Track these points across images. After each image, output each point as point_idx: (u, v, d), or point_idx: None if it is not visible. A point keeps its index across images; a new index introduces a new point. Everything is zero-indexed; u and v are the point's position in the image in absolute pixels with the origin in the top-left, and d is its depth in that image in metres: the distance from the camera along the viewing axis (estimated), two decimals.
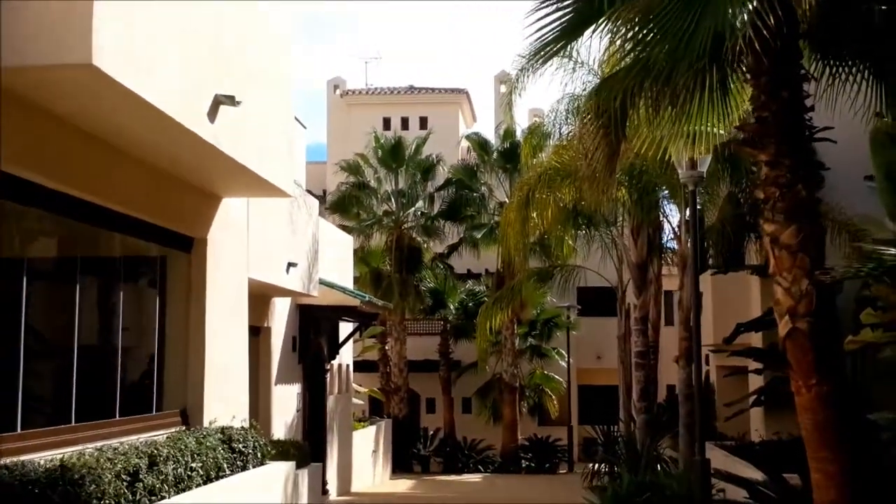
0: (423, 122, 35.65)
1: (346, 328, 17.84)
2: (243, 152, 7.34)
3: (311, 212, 13.14)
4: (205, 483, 6.82)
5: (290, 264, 12.26)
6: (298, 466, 12.58)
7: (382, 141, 27.68)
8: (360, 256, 27.61)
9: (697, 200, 15.61)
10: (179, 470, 6.39)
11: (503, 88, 38.41)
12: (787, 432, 15.87)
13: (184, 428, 8.01)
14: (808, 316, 6.37)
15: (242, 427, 8.36)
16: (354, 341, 20.97)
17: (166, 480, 6.13)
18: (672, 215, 16.95)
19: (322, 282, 15.02)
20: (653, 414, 16.35)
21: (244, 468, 7.77)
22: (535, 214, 17.17)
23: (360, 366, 29.59)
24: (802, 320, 6.40)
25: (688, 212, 15.08)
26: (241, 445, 7.73)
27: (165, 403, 8.14)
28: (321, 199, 28.46)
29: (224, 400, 8.73)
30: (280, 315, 14.28)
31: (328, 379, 17.13)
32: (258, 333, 13.66)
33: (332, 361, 17.34)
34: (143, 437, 7.14)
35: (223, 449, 7.36)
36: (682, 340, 14.54)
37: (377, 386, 28.54)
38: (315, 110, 67.23)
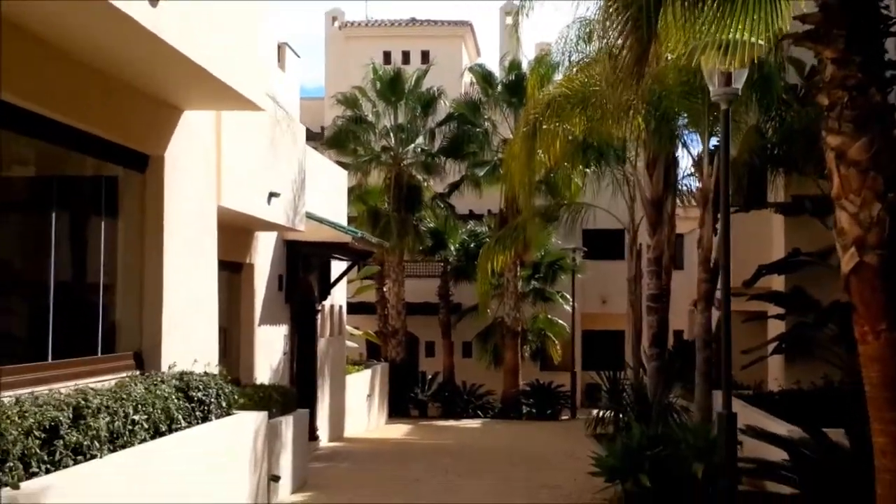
0: (425, 57, 34.15)
1: (338, 267, 16.74)
2: (197, 49, 6.12)
3: (296, 138, 11.94)
4: (152, 438, 5.76)
5: (272, 194, 11.10)
6: (283, 413, 11.63)
7: (381, 72, 26.27)
8: (358, 195, 26.44)
9: (720, 131, 14.52)
10: (117, 423, 5.31)
11: (509, 20, 36.88)
12: (808, 382, 14.90)
13: (138, 373, 6.94)
14: (880, 248, 5.25)
15: (206, 372, 7.28)
16: (349, 281, 19.91)
17: (97, 437, 5.05)
18: (693, 145, 15.70)
19: (310, 216, 13.85)
20: (664, 361, 15.32)
21: (205, 419, 6.72)
22: (541, 150, 15.94)
23: (357, 308, 28.66)
24: (872, 253, 5.28)
25: (712, 141, 13.88)
26: (200, 394, 6.66)
27: (117, 345, 7.06)
28: (319, 136, 27.28)
29: (187, 342, 7.66)
30: (265, 251, 13.16)
31: (319, 320, 16.09)
32: (239, 270, 12.57)
33: (324, 302, 16.29)
34: (88, 382, 6.08)
35: (178, 398, 6.28)
36: (702, 283, 13.43)
37: (375, 329, 27.60)
38: (313, 46, 65.39)
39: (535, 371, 28.20)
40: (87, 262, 6.85)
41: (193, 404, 6.54)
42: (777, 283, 16.95)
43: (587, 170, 19.51)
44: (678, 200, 17.16)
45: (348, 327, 19.98)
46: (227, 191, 9.41)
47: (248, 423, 7.97)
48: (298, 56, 21.22)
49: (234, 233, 11.95)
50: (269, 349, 13.28)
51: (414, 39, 36.46)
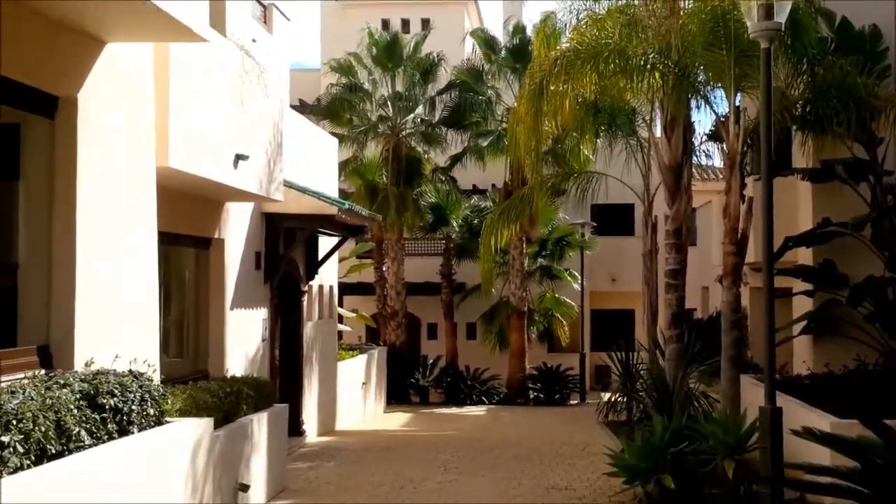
0: (426, 25, 32.42)
1: (328, 244, 15.27)
2: None
3: (268, 92, 10.45)
4: (35, 464, 4.32)
5: (239, 157, 9.62)
6: (258, 408, 10.24)
7: (377, 36, 24.68)
8: (354, 168, 24.99)
9: (738, 96, 12.95)
10: None
11: None
12: (839, 364, 13.49)
13: (43, 372, 5.50)
14: None
15: (130, 371, 5.83)
16: (341, 259, 18.47)
17: None
18: (715, 104, 14.13)
19: (289, 185, 12.39)
20: (684, 343, 13.84)
21: (123, 433, 5.28)
22: (548, 114, 14.43)
23: (355, 289, 27.25)
24: None
25: (737, 99, 12.32)
26: (115, 400, 5.21)
27: (18, 338, 5.63)
28: (316, 108, 25.67)
29: (113, 333, 6.21)
30: (238, 225, 11.71)
31: (305, 302, 14.66)
32: (207, 246, 11.13)
33: (311, 282, 14.84)
34: None
35: (81, 406, 4.84)
36: (729, 256, 11.93)
37: (374, 311, 26.19)
38: (307, 14, 63.43)
39: (542, 353, 26.75)
40: None
41: (105, 414, 5.11)
42: (804, 256, 15.48)
43: (597, 139, 17.95)
44: (697, 174, 15.68)
45: (341, 309, 18.56)
46: (176, 149, 7.93)
47: (182, 435, 6.49)
48: (288, 19, 19.54)
49: (199, 203, 10.50)
50: (245, 336, 11.86)
51: (414, 7, 34.78)
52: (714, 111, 12.86)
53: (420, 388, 24.07)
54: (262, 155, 10.52)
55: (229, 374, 10.97)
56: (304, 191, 12.52)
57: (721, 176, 28.86)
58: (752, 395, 12.79)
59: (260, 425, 10.19)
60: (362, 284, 26.90)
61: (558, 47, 14.19)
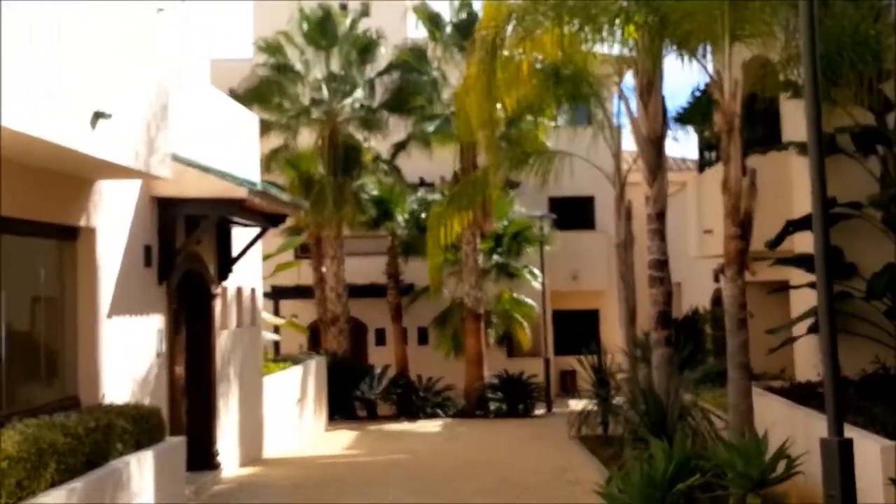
0: (366, 10, 30.13)
1: (246, 238, 12.77)
2: None
3: (149, 29, 7.97)
4: None
5: (99, 115, 7.14)
6: (141, 446, 7.83)
7: (308, 12, 22.21)
8: (287, 159, 22.51)
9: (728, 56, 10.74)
10: None
11: None
12: (854, 368, 11.51)
13: None
14: None
15: None
16: (266, 257, 15.95)
17: None
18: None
19: (187, 162, 9.94)
20: (672, 346, 11.64)
21: None
22: (502, 77, 12.19)
23: (293, 292, 24.75)
24: None
25: (727, 56, 10.10)
26: None
27: None
28: (239, 93, 23.03)
29: None
30: (117, 210, 9.20)
31: (218, 307, 12.16)
32: (73, 237, 8.61)
33: (224, 283, 12.35)
34: None
35: None
36: (731, 240, 9.74)
37: (315, 316, 23.68)
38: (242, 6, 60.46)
39: (502, 359, 24.39)
40: None
41: None
42: (802, 243, 13.47)
43: (558, 114, 15.76)
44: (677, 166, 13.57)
45: (268, 315, 16.06)
46: (9, 102, 5.49)
47: None
48: None
49: (58, 180, 7.99)
50: (130, 351, 9.34)
51: None
52: (705, 68, 10.62)
53: (367, 402, 21.59)
54: (137, 116, 8.04)
55: (106, 401, 8.51)
56: (205, 169, 10.05)
57: (686, 165, 27.09)
58: (765, 409, 10.66)
59: (141, 468, 7.77)
60: (301, 287, 24.38)
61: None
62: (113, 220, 9.06)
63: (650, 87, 11.74)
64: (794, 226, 12.41)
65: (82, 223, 8.49)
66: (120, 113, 7.53)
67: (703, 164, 19.02)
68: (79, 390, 8.57)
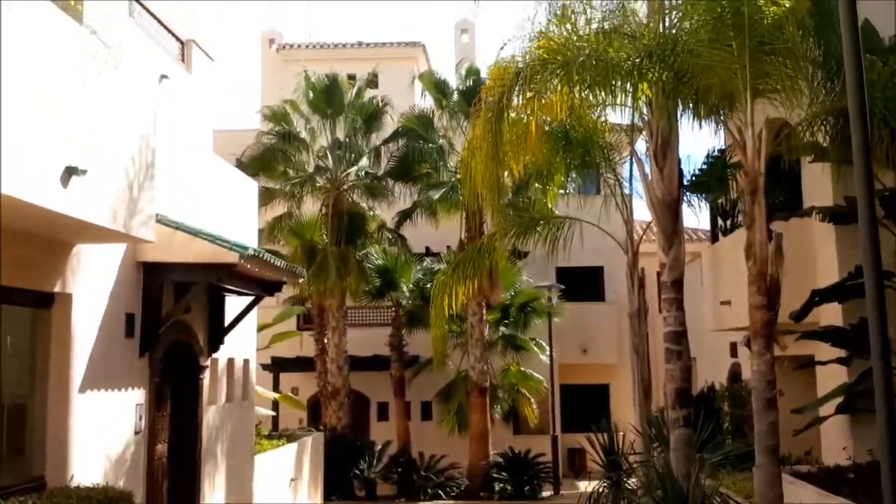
0: (374, 81, 30.07)
1: (239, 306, 12.10)
2: None
3: (127, 83, 7.46)
4: None
5: (72, 170, 6.57)
6: None
7: (314, 79, 21.98)
8: (291, 227, 22.02)
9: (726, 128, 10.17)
10: None
11: (465, 38, 33.06)
12: None
13: None
14: None
15: None
16: (262, 328, 15.25)
17: None
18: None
19: (176, 225, 9.36)
20: (692, 427, 10.82)
21: None
22: (509, 137, 11.67)
23: (295, 364, 24.02)
24: None
25: (748, 112, 9.54)
26: None
27: None
28: (244, 161, 22.67)
29: None
30: (97, 276, 8.58)
31: (206, 381, 11.44)
32: (48, 304, 7.97)
33: (215, 354, 11.65)
34: None
35: None
36: (757, 310, 9.01)
37: (316, 389, 22.88)
38: (248, 72, 60.95)
39: (508, 435, 23.48)
40: None
41: None
42: (828, 315, 12.75)
43: (568, 179, 15.19)
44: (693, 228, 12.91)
45: (260, 388, 15.30)
46: None
47: None
48: (212, 59, 16.68)
49: (31, 243, 7.39)
50: (105, 428, 8.61)
51: (361, 62, 32.22)
52: (725, 126, 10.04)
53: (366, 481, 20.63)
54: (117, 174, 7.47)
55: (74, 483, 7.75)
56: (194, 233, 9.45)
57: (697, 236, 26.51)
58: (794, 497, 9.80)
59: None
60: (302, 359, 23.65)
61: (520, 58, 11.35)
62: (92, 286, 8.43)
63: (665, 147, 11.15)
64: (820, 296, 11.72)
65: (57, 289, 7.87)
66: (97, 170, 6.97)
67: (715, 234, 18.43)
68: (46, 470, 7.82)
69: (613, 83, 9.98)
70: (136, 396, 9.32)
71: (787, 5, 9.05)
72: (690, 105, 10.14)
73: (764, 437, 8.70)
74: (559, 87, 10.48)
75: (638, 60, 9.72)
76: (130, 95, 7.72)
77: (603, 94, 10.72)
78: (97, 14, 7.55)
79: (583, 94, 10.64)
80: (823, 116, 9.77)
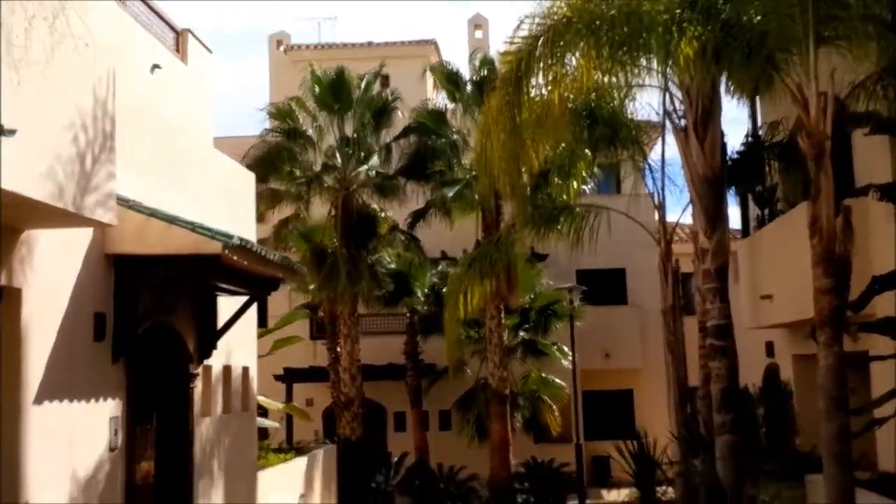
0: (385, 82, 28.99)
1: (234, 307, 10.93)
2: None
3: (75, 40, 6.37)
4: None
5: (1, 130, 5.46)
6: None
7: (320, 73, 20.90)
8: (299, 231, 20.93)
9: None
10: None
11: (479, 34, 31.93)
12: None
13: None
14: None
15: None
16: (264, 333, 14.12)
17: None
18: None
19: (150, 211, 8.24)
20: (741, 432, 9.57)
21: None
22: (528, 116, 10.50)
23: (308, 374, 22.96)
24: None
25: (811, 63, 8.28)
26: None
27: None
28: (248, 162, 21.60)
29: None
30: (56, 268, 7.46)
31: (198, 390, 10.29)
32: None
33: (207, 360, 10.49)
34: None
35: None
36: (824, 295, 7.78)
37: (331, 400, 21.74)
38: (256, 71, 60.22)
39: (529, 444, 22.15)
40: None
41: None
42: (883, 306, 11.44)
43: (594, 162, 13.96)
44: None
45: (262, 398, 14.14)
46: None
47: None
48: (210, 51, 15.57)
49: None
50: (69, 445, 7.47)
51: (371, 62, 31.17)
52: (787, 85, 8.69)
53: (383, 494, 19.42)
54: (63, 141, 6.35)
55: None
56: (171, 220, 8.31)
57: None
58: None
59: None
60: (316, 369, 22.56)
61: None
62: (49, 280, 7.31)
63: (707, 118, 9.98)
64: (880, 283, 10.42)
65: (3, 282, 6.74)
66: (34, 132, 5.85)
67: (746, 228, 17.17)
68: None
69: (647, 41, 8.79)
70: (110, 408, 8.18)
71: None
72: (738, 63, 8.81)
73: (833, 443, 7.47)
74: (586, 50, 9.32)
75: (679, 12, 8.53)
76: (83, 46, 6.57)
77: (637, 54, 9.52)
78: None
79: (615, 58, 9.42)
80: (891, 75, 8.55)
